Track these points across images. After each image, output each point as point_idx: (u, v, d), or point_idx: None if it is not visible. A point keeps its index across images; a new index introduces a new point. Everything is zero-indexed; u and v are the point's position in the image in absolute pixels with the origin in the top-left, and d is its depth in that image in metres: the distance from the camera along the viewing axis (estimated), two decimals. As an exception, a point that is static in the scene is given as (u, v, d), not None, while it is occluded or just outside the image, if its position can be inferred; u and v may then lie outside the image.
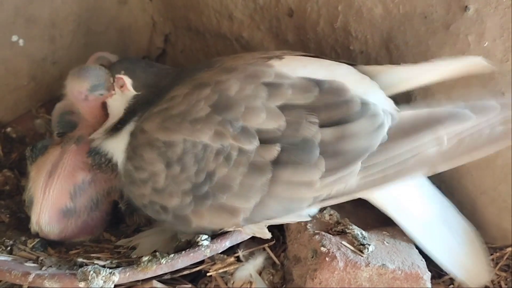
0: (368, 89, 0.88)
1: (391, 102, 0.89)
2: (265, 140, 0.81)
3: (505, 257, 1.00)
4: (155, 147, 0.85)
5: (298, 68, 0.88)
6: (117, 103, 0.98)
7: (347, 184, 0.83)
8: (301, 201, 0.83)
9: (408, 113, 0.86)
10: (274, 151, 0.81)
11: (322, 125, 0.82)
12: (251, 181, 0.82)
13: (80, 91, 0.99)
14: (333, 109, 0.83)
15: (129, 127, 0.92)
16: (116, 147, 0.93)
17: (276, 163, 0.81)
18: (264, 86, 0.84)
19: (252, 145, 0.81)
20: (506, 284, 0.96)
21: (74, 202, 0.96)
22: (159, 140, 0.85)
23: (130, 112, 0.95)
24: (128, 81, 0.95)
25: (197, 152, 0.83)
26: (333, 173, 0.82)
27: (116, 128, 0.95)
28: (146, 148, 0.86)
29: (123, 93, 0.97)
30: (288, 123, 0.81)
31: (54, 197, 0.95)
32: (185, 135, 0.84)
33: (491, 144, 0.82)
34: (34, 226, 0.95)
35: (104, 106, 1.01)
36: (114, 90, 0.98)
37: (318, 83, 0.85)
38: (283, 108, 0.82)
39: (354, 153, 0.81)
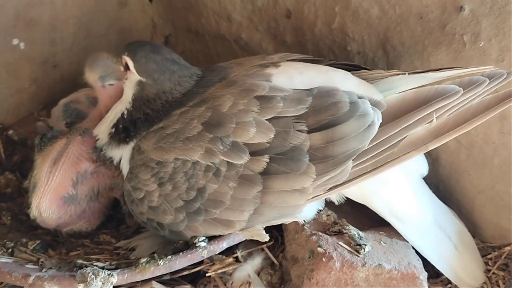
0: (365, 92, 0.87)
1: (381, 96, 0.89)
2: (254, 152, 0.82)
3: (503, 256, 1.00)
4: (149, 168, 0.87)
5: (294, 75, 0.89)
6: (127, 89, 0.97)
7: (339, 180, 0.84)
8: (296, 206, 0.85)
9: (395, 96, 0.86)
10: (263, 162, 0.82)
11: (310, 130, 0.82)
12: (242, 195, 0.83)
13: (94, 80, 1.02)
14: (322, 112, 0.83)
15: (133, 143, 0.93)
16: (123, 157, 0.95)
17: (266, 174, 0.82)
18: (256, 100, 0.85)
19: (242, 160, 0.82)
20: (504, 283, 0.96)
21: (76, 190, 0.97)
22: (153, 160, 0.87)
23: (135, 126, 0.94)
24: (130, 62, 0.93)
25: (187, 170, 0.85)
26: (324, 175, 0.82)
27: (121, 136, 0.95)
28: (141, 169, 0.88)
29: (129, 76, 0.95)
30: (276, 133, 0.82)
31: (57, 183, 0.96)
32: (177, 154, 0.85)
33: (479, 115, 0.81)
34: (33, 211, 0.97)
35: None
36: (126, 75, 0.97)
37: (310, 91, 0.85)
38: (273, 119, 0.83)
39: (345, 154, 0.82)
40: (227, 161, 0.83)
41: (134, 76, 0.93)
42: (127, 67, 0.95)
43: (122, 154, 0.95)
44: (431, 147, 0.83)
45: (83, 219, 1.00)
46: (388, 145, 0.83)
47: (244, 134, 0.83)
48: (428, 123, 0.82)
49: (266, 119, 0.83)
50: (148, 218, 0.90)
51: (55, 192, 0.96)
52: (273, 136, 0.82)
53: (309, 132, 0.82)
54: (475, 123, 0.82)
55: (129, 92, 0.95)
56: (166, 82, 0.92)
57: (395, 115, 0.83)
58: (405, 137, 0.83)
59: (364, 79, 0.91)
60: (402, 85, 0.90)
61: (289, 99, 0.84)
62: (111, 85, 1.02)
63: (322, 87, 0.85)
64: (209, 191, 0.84)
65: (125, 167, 0.94)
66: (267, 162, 0.82)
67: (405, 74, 0.89)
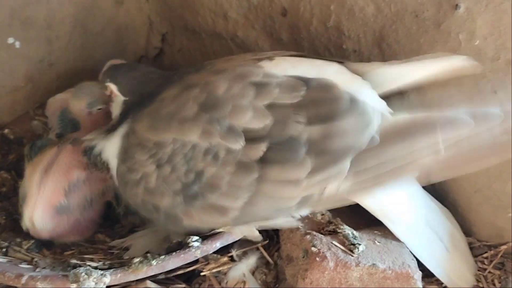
0: (359, 88, 0.87)
1: (383, 103, 0.88)
2: (251, 139, 0.81)
3: (499, 255, 0.99)
4: (146, 148, 0.86)
5: (288, 68, 0.88)
6: (115, 109, 0.99)
7: (339, 188, 0.83)
8: (289, 200, 0.83)
9: (404, 116, 0.85)
10: (260, 150, 0.81)
11: (309, 123, 0.81)
12: (238, 180, 0.82)
13: (81, 108, 1.05)
14: (321, 105, 0.82)
15: (122, 130, 0.92)
16: (109, 149, 0.93)
17: (263, 161, 0.81)
18: (251, 85, 0.84)
19: (238, 145, 0.81)
20: (500, 282, 0.96)
21: (68, 199, 0.96)
22: (149, 140, 0.86)
23: (123, 117, 0.95)
24: (113, 87, 0.96)
25: (186, 152, 0.84)
26: (320, 171, 0.81)
27: (109, 130, 0.95)
28: (137, 149, 0.87)
29: (115, 99, 0.98)
30: (274, 122, 0.81)
31: (49, 193, 0.95)
32: (174, 134, 0.84)
33: (491, 154, 0.80)
34: (26, 223, 0.95)
35: (108, 115, 1.03)
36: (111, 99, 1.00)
37: (306, 81, 0.85)
38: (270, 107, 0.82)
39: (341, 151, 0.81)
40: (225, 145, 0.82)
41: (119, 98, 0.97)
42: (111, 92, 0.98)
43: (109, 146, 0.94)
44: (436, 178, 0.85)
45: (76, 233, 0.99)
46: (391, 167, 0.82)
47: (241, 117, 0.82)
48: (435, 151, 0.81)
49: (263, 105, 0.82)
50: (143, 200, 0.88)
51: (47, 203, 0.95)
52: (269, 122, 0.81)
53: (307, 124, 0.81)
54: (488, 163, 0.83)
55: (117, 111, 0.97)
56: (148, 86, 0.94)
57: (401, 135, 0.82)
58: (409, 162, 0.82)
59: (355, 71, 0.91)
60: (397, 79, 0.90)
61: (284, 85, 0.84)
62: (99, 109, 1.05)
63: (320, 80, 0.85)
64: (207, 175, 0.83)
65: (113, 160, 0.92)
66: (263, 151, 0.81)
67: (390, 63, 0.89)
